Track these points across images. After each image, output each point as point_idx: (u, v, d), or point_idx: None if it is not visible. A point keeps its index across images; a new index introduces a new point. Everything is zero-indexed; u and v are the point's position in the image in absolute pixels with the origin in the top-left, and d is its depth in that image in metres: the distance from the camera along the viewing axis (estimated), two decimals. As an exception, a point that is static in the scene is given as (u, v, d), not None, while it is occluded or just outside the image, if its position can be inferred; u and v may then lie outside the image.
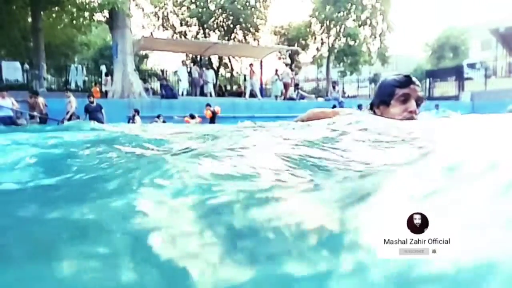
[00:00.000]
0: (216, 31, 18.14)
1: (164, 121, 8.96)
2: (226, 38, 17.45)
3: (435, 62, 21.51)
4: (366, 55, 17.51)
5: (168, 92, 11.88)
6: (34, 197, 0.70)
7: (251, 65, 13.62)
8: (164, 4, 17.00)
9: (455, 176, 0.53)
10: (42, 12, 11.42)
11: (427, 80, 17.53)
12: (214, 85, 13.55)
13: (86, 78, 13.86)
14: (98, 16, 11.36)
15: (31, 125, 7.45)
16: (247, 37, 18.24)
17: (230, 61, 18.78)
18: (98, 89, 11.70)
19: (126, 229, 0.47)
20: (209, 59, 16.81)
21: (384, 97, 1.23)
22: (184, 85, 12.71)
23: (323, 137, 0.92)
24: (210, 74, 13.09)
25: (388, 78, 1.28)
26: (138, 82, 11.49)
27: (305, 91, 16.18)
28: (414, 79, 1.23)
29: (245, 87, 13.79)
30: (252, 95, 13.05)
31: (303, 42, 18.29)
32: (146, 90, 12.19)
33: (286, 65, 15.77)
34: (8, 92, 7.71)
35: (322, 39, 18.01)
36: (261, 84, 14.38)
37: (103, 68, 13.69)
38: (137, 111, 9.14)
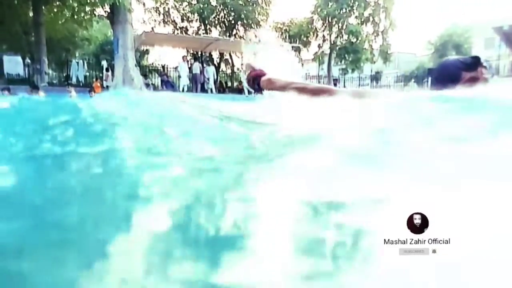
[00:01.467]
0: (218, 27, 18.05)
1: None
2: (228, 34, 17.38)
3: (438, 60, 21.40)
4: (368, 52, 17.43)
5: (169, 88, 11.87)
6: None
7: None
8: (166, -1, 16.92)
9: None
10: (43, 7, 11.38)
11: (429, 78, 17.43)
12: (215, 81, 13.51)
13: (87, 73, 13.84)
14: (99, 11, 11.32)
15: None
16: (248, 33, 18.16)
17: (231, 58, 18.71)
18: (99, 84, 11.69)
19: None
20: (210, 55, 16.75)
21: (449, 80, 1.11)
22: (184, 81, 12.67)
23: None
24: (211, 70, 13.05)
25: (451, 58, 1.16)
26: (139, 77, 11.47)
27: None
28: (482, 60, 1.11)
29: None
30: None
31: (305, 39, 18.21)
32: (147, 85, 12.17)
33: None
34: (10, 89, 7.73)
35: (323, 36, 17.93)
36: (262, 81, 14.33)
37: (104, 63, 13.66)
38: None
